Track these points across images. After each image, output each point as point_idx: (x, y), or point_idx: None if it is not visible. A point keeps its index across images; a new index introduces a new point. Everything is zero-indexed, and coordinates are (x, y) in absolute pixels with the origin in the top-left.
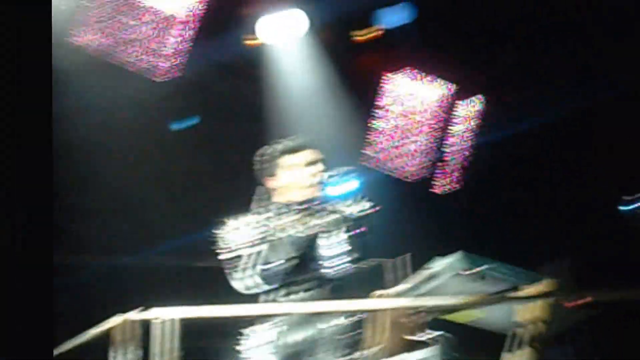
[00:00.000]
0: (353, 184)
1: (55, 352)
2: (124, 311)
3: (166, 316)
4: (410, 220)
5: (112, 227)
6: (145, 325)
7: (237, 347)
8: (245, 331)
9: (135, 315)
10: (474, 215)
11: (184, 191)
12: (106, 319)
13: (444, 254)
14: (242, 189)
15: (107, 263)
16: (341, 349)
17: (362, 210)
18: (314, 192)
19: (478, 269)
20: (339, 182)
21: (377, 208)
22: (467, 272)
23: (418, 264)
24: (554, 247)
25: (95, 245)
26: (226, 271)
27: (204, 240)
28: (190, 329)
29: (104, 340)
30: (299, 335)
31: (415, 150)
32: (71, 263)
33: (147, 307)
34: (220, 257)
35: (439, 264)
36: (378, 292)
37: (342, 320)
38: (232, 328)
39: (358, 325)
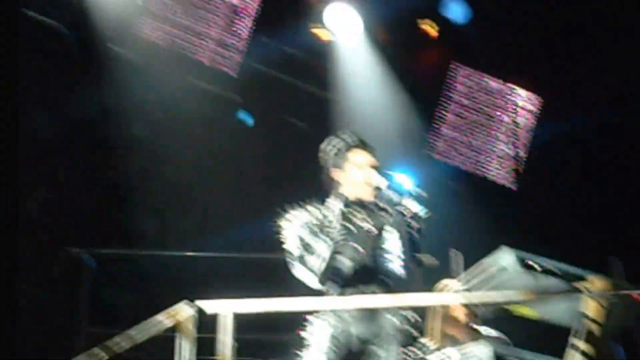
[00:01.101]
0: (412, 181)
1: (120, 342)
2: (187, 302)
3: (229, 308)
4: (467, 214)
5: (174, 220)
6: (206, 316)
7: (301, 337)
8: (309, 322)
9: (198, 306)
10: (529, 212)
11: (249, 184)
12: (169, 310)
13: (498, 248)
14: (306, 182)
15: (169, 255)
16: (403, 341)
17: (421, 210)
18: (375, 192)
19: (534, 264)
20: (398, 183)
21: (431, 214)
22: (524, 268)
23: (473, 258)
24: (607, 246)
25: (157, 238)
26: (291, 264)
27: (267, 232)
28: (249, 321)
29: (168, 331)
30: (361, 328)
31: (481, 143)
32: (134, 255)
33: (208, 298)
34: (286, 249)
35: (495, 260)
36: (441, 284)
37: (403, 313)
38: (292, 321)
39: (419, 318)
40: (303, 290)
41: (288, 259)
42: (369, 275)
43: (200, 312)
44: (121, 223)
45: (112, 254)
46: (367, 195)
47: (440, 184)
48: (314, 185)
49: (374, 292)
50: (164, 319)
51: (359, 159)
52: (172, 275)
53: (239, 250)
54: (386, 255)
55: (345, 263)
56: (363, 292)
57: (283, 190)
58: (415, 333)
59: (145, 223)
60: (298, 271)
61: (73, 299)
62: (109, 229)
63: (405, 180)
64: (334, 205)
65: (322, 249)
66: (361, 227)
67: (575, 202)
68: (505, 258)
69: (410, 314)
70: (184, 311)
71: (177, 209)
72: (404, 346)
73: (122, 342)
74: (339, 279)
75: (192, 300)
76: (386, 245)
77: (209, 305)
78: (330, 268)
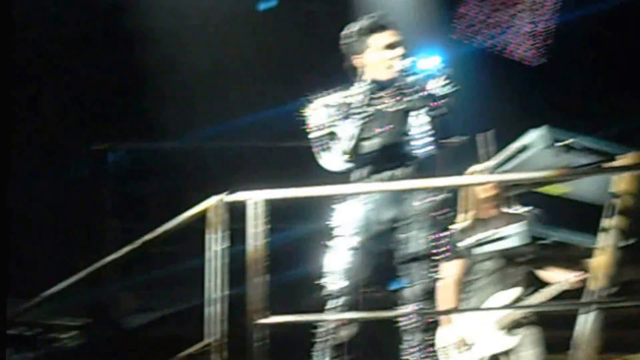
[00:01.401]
0: (437, 62)
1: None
2: (214, 193)
3: (258, 197)
4: (496, 95)
5: (197, 111)
6: (235, 206)
7: (328, 224)
8: (335, 208)
9: (228, 197)
10: (559, 90)
11: (269, 71)
12: (199, 202)
13: (528, 128)
14: (327, 68)
15: (193, 146)
16: (431, 225)
17: (445, 89)
18: (398, 72)
19: (566, 141)
20: (422, 64)
21: (459, 87)
22: (555, 145)
23: (503, 139)
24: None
25: (181, 129)
26: (315, 150)
27: (289, 120)
28: (276, 210)
29: (198, 222)
30: (388, 211)
31: (506, 22)
32: (158, 147)
33: (233, 189)
34: (309, 135)
35: (526, 138)
36: (472, 167)
37: (431, 198)
38: (317, 209)
39: (447, 202)
40: (328, 178)
41: (313, 145)
42: (393, 156)
43: (230, 202)
44: (144, 116)
45: (136, 147)
46: (390, 76)
47: (466, 67)
48: (337, 72)
49: (398, 174)
50: (193, 211)
51: (381, 41)
52: (197, 166)
53: (263, 139)
54: (411, 136)
55: (369, 144)
56: (388, 174)
57: (307, 77)
58: (443, 216)
59: (168, 115)
60: (323, 157)
61: (99, 194)
62: (132, 123)
63: (430, 60)
64: (357, 89)
65: (346, 131)
66: (385, 109)
67: (605, 75)
68: (533, 136)
69: (438, 197)
70: (212, 202)
71: (200, 99)
72: (433, 230)
73: (152, 234)
74: (363, 161)
75: (219, 191)
76: (410, 126)
77: (238, 195)
78: (354, 150)
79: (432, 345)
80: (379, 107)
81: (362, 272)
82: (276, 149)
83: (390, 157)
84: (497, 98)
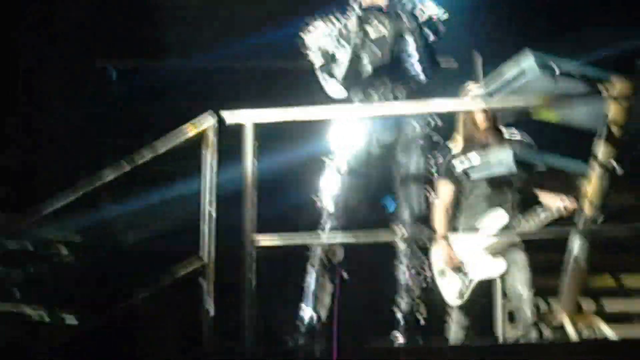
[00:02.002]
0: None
1: (145, 153)
2: (209, 112)
3: (250, 117)
4: (482, 17)
5: (195, 29)
6: (230, 126)
7: (328, 140)
8: (334, 130)
9: (220, 115)
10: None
11: None
12: (192, 121)
13: (516, 52)
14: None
15: (187, 64)
16: (425, 146)
17: (439, 12)
18: None
19: (555, 66)
20: None
21: (447, 13)
22: (544, 70)
23: (492, 63)
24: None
25: (175, 46)
26: (319, 76)
27: (286, 39)
28: (270, 132)
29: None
30: (382, 132)
31: None
32: (152, 66)
33: (229, 108)
34: (309, 60)
35: (515, 63)
36: (469, 85)
37: (425, 118)
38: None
39: (441, 123)
40: (326, 98)
41: (316, 71)
42: (388, 78)
43: (224, 121)
44: (143, 34)
45: (136, 65)
46: (382, 0)
47: None
48: None
49: (398, 97)
50: (186, 130)
51: None
52: (196, 85)
53: (261, 57)
54: (405, 59)
55: (365, 66)
56: (388, 97)
57: None
58: (437, 138)
59: (174, 33)
60: (323, 81)
61: (101, 111)
62: (131, 40)
63: None
64: (351, 12)
65: (343, 54)
66: (378, 32)
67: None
68: (525, 61)
69: (432, 119)
70: (206, 121)
71: (198, 18)
72: (427, 151)
73: (147, 153)
74: (363, 85)
75: (216, 111)
76: (404, 49)
77: (231, 115)
78: (351, 71)
79: (426, 269)
80: (375, 31)
81: (353, 196)
82: (281, 69)
83: (386, 78)
84: (493, 18)
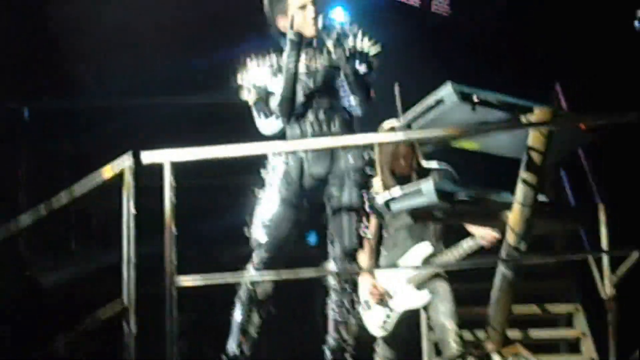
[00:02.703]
0: (342, 15)
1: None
2: (128, 152)
3: (167, 157)
4: (404, 48)
5: (111, 66)
6: (147, 167)
7: (262, 177)
8: (268, 166)
9: (144, 157)
10: (467, 46)
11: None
12: (113, 160)
13: (437, 84)
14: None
15: (107, 104)
16: (358, 179)
17: (372, 48)
18: (316, 30)
19: (474, 96)
20: (332, 18)
21: (379, 46)
22: (463, 100)
23: (413, 93)
24: (548, 73)
25: (95, 86)
26: (252, 111)
27: (207, 72)
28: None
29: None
30: (316, 166)
31: None
32: (70, 106)
33: (147, 145)
34: (245, 98)
35: (437, 94)
36: (387, 122)
37: (358, 151)
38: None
39: (369, 162)
40: (259, 136)
41: (251, 109)
42: (322, 110)
43: (146, 163)
44: (57, 72)
45: (50, 106)
46: (311, 34)
47: (378, 17)
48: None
49: (328, 128)
50: (104, 172)
51: (295, 2)
52: (113, 125)
53: (181, 95)
54: (339, 91)
55: (301, 102)
56: (320, 130)
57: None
58: (370, 171)
59: (84, 72)
60: (257, 118)
61: (13, 154)
62: (46, 80)
63: (336, 13)
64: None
65: (277, 85)
66: (309, 64)
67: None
68: (443, 89)
69: (366, 152)
70: (124, 162)
71: (113, 54)
72: (360, 185)
73: (63, 197)
74: (294, 114)
75: (132, 148)
76: (337, 82)
77: (148, 155)
78: (284, 107)
79: (358, 304)
80: (306, 64)
81: (284, 227)
82: (197, 105)
83: (323, 112)
84: (413, 51)
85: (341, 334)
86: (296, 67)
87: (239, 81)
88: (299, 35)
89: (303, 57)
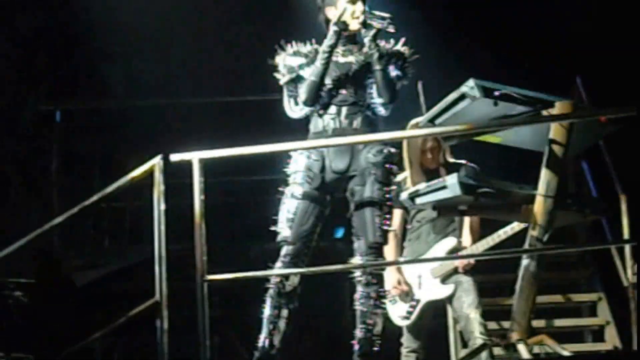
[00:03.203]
0: (387, 16)
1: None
2: (159, 151)
3: (203, 156)
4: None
5: (142, 68)
6: (178, 164)
7: (285, 172)
8: (292, 156)
9: (173, 156)
10: (488, 43)
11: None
12: (145, 160)
13: (458, 80)
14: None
15: (139, 104)
16: (380, 175)
17: (410, 54)
18: (360, 26)
19: (496, 90)
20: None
21: (414, 53)
22: (485, 95)
23: (434, 91)
24: (569, 67)
25: (125, 86)
26: (283, 93)
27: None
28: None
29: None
30: (337, 161)
31: None
32: (98, 107)
33: (178, 148)
34: (280, 81)
35: (458, 91)
36: (414, 120)
37: (384, 150)
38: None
39: (396, 155)
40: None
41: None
42: (347, 104)
43: (176, 161)
44: (87, 74)
45: (81, 107)
46: (355, 27)
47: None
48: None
49: (350, 122)
50: (139, 171)
51: None
52: (144, 124)
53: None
54: (368, 89)
55: (330, 94)
56: (345, 125)
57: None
58: (391, 167)
59: (112, 73)
60: (285, 99)
61: (46, 154)
62: (76, 82)
63: (381, 14)
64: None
65: (308, 73)
66: (345, 57)
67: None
68: (465, 85)
69: (386, 148)
70: (157, 161)
71: (144, 56)
72: (381, 180)
73: (99, 195)
74: (318, 105)
75: (165, 150)
76: (368, 80)
77: (183, 155)
78: (312, 95)
79: (384, 296)
80: (342, 56)
81: (308, 221)
82: (222, 103)
83: (347, 106)
84: (441, 50)
85: (368, 326)
86: (331, 53)
87: (276, 61)
88: (344, 24)
89: (341, 48)
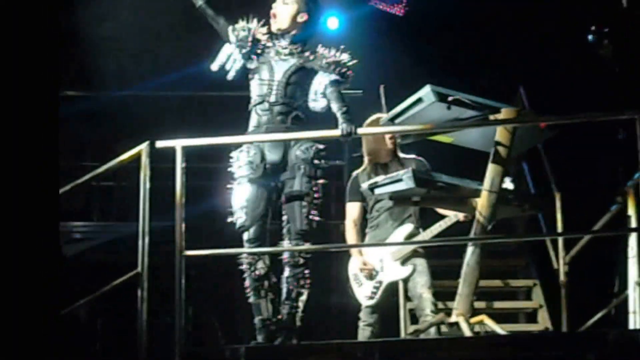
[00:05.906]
0: (334, 23)
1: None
2: (140, 139)
3: (184, 144)
4: (385, 52)
5: (130, 62)
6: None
7: (229, 167)
8: (232, 160)
9: (159, 143)
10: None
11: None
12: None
13: (416, 85)
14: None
15: (119, 94)
16: (311, 172)
17: (349, 61)
18: (293, 26)
19: (449, 96)
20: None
21: (355, 61)
22: (440, 100)
23: (394, 94)
24: (513, 78)
25: (108, 76)
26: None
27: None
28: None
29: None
30: (276, 155)
31: None
32: (85, 95)
33: (158, 135)
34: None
35: (418, 94)
36: (374, 116)
37: (308, 145)
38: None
39: (324, 152)
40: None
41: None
42: (281, 102)
43: (160, 147)
44: (80, 65)
45: (75, 94)
46: (284, 27)
47: (367, 26)
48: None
49: (282, 120)
50: (128, 155)
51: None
52: (131, 113)
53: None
54: (306, 92)
55: (262, 88)
56: (279, 122)
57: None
58: (319, 163)
59: (104, 65)
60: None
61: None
62: (69, 72)
63: (329, 21)
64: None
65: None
66: (283, 55)
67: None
68: (422, 91)
69: (315, 145)
70: (144, 147)
71: (132, 51)
72: (310, 175)
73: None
74: (258, 104)
75: (150, 138)
76: (307, 83)
77: (167, 142)
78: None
79: (307, 278)
80: (279, 53)
81: (260, 205)
82: (200, 97)
83: (281, 107)
84: (385, 54)
85: (293, 303)
86: (263, 53)
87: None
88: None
89: (283, 49)
